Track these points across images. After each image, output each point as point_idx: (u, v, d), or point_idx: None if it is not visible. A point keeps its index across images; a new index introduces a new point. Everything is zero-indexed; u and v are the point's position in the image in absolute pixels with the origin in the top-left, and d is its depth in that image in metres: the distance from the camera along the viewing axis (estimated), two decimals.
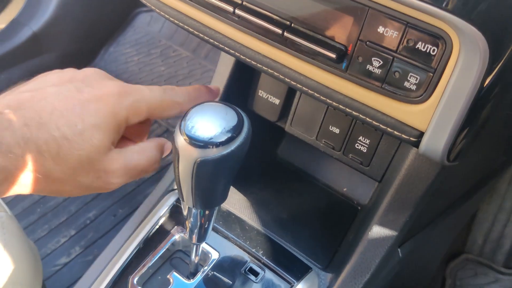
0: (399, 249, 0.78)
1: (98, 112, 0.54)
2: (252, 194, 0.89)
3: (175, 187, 0.88)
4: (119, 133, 0.56)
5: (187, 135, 0.54)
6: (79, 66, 0.61)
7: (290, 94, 0.86)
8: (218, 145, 0.54)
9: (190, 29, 0.74)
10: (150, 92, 0.59)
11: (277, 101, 0.87)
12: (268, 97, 0.88)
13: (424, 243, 0.90)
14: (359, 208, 0.92)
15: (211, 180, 0.58)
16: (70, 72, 0.60)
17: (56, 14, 1.98)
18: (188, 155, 0.55)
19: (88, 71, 0.60)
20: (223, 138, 0.54)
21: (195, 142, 0.54)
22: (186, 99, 0.62)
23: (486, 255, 1.51)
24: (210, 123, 0.56)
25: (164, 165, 1.85)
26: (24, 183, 0.51)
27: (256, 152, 0.92)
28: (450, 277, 1.50)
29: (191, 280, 0.76)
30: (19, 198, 1.66)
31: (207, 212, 0.65)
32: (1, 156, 0.48)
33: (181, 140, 0.55)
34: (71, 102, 0.53)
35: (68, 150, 0.51)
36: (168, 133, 1.95)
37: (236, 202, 0.87)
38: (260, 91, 0.88)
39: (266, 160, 0.98)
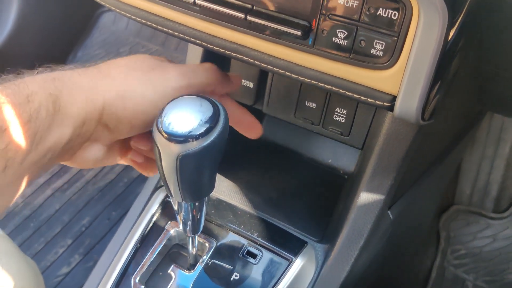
0: (389, 212, 0.80)
1: None
2: (240, 179, 0.90)
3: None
4: None
5: (166, 132, 0.55)
6: None
7: (263, 76, 0.86)
8: (197, 137, 0.55)
9: (153, 25, 0.73)
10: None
11: (251, 85, 0.87)
12: (241, 82, 0.88)
13: (413, 202, 0.92)
14: (346, 177, 0.94)
15: (196, 173, 0.59)
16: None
17: (17, 27, 1.94)
18: (169, 152, 0.55)
19: None
20: (202, 130, 0.55)
21: (174, 138, 0.54)
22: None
23: (475, 203, 1.55)
24: (187, 116, 0.56)
25: None
26: None
27: (239, 137, 0.93)
28: (444, 229, 1.54)
29: (192, 271, 0.77)
30: (9, 216, 1.65)
31: (197, 203, 0.66)
32: None
33: (160, 138, 0.55)
34: None
35: None
36: None
37: (225, 189, 0.88)
38: None
39: (249, 144, 0.99)
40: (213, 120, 0.56)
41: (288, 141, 0.99)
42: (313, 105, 0.82)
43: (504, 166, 1.52)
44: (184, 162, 0.56)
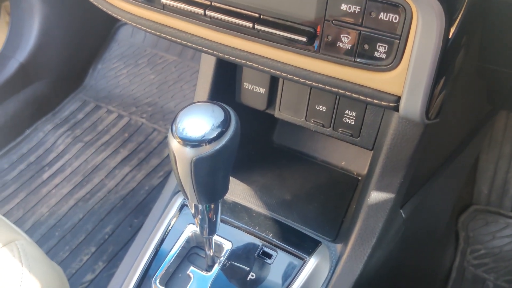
0: (401, 211, 0.82)
1: None
2: (255, 182, 0.93)
3: None
4: None
5: (180, 137, 0.58)
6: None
7: (273, 81, 0.89)
8: (210, 141, 0.58)
9: (167, 36, 0.77)
10: None
11: (262, 90, 0.90)
12: (253, 88, 0.91)
13: (426, 201, 0.93)
14: (359, 178, 0.95)
15: (210, 175, 0.62)
16: None
17: (40, 43, 2.01)
18: (184, 156, 0.58)
19: None
20: (214, 134, 0.58)
21: (188, 142, 0.58)
22: None
23: (494, 203, 1.54)
24: (199, 122, 0.59)
25: (169, 170, 1.88)
26: None
27: (253, 142, 0.96)
28: (463, 230, 1.54)
29: (210, 272, 0.80)
30: (35, 225, 1.70)
31: (212, 206, 0.69)
32: None
33: (175, 143, 0.58)
34: None
35: None
36: None
37: (240, 193, 0.90)
38: (245, 83, 0.91)
39: (263, 148, 1.01)
40: (224, 125, 0.59)
41: (301, 144, 1.01)
42: (323, 108, 0.85)
43: None
44: (198, 166, 0.59)
